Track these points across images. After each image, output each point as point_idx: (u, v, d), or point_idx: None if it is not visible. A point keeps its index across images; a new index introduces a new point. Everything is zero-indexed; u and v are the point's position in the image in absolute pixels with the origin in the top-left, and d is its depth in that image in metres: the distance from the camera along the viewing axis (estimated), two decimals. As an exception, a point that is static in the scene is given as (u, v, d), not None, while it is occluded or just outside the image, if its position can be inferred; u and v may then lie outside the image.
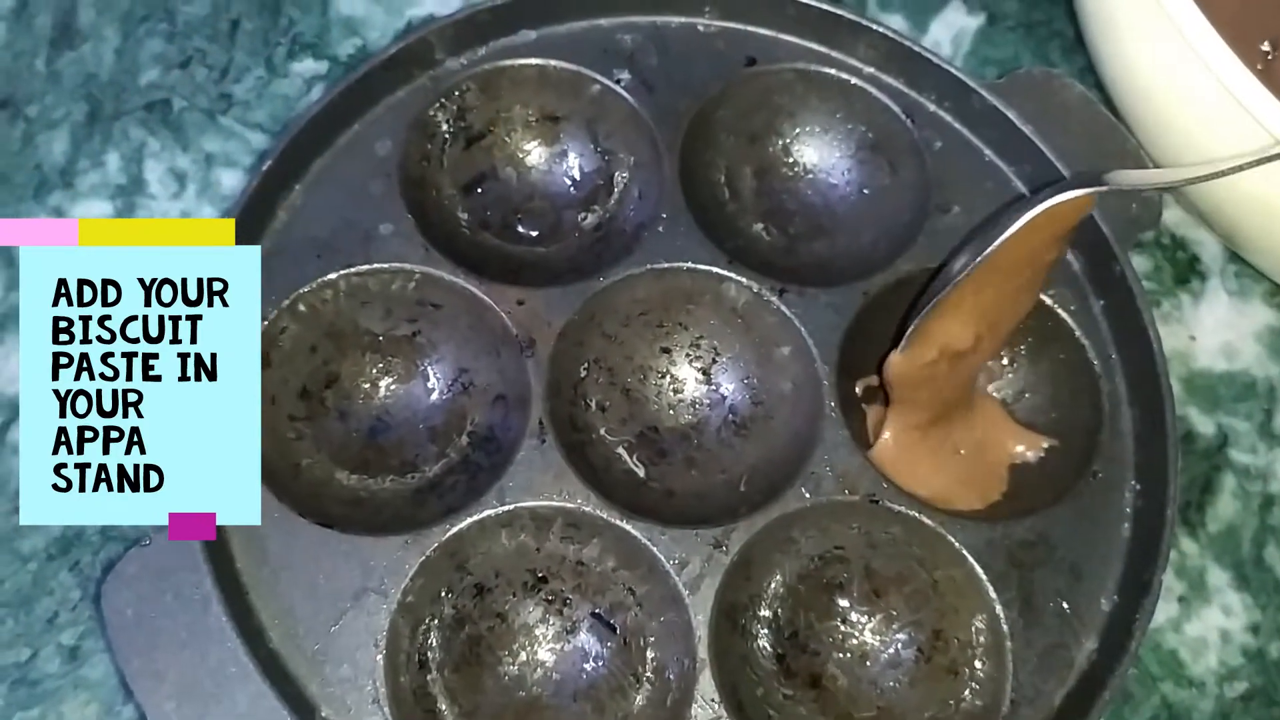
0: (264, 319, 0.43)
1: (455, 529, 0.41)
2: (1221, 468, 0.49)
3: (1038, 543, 0.43)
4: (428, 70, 0.48)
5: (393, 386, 0.46)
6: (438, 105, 0.47)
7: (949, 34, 0.55)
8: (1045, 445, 0.45)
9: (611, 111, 0.48)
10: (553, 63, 0.48)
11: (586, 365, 0.46)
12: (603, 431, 0.45)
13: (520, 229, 0.49)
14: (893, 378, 0.43)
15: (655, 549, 0.41)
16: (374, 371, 0.46)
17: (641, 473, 0.45)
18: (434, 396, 0.46)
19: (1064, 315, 0.46)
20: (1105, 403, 0.45)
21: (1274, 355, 0.50)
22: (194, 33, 0.52)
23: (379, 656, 0.40)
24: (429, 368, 0.46)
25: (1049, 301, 0.46)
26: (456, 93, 0.48)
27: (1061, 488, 0.44)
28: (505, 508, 0.42)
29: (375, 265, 0.45)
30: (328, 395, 0.45)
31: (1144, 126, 0.48)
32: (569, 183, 0.49)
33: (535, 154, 0.49)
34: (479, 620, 0.42)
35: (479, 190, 0.49)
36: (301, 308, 0.44)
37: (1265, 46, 0.48)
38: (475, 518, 0.41)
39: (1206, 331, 0.51)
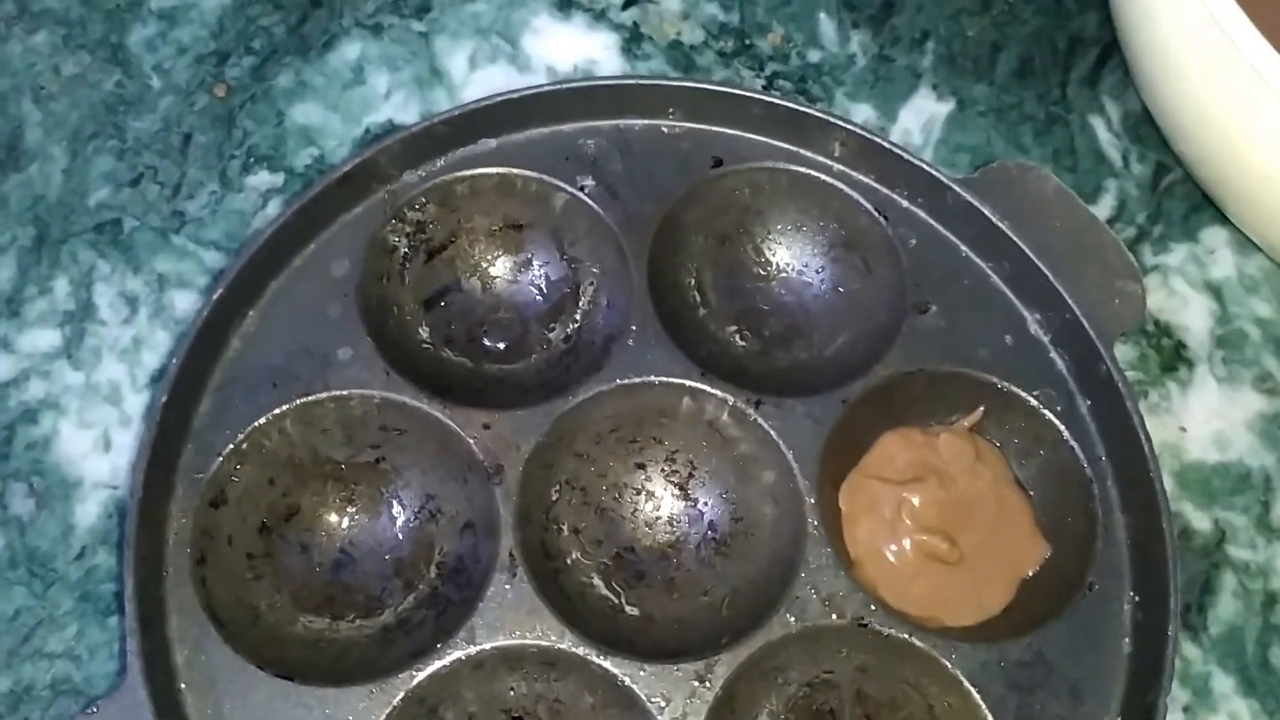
0: (217, 455, 0.41)
1: (423, 674, 0.39)
2: (1220, 565, 0.47)
3: (1035, 663, 0.41)
4: (385, 185, 0.46)
5: (356, 516, 0.44)
6: (395, 221, 0.46)
7: (919, 122, 0.54)
8: (1043, 556, 0.44)
9: (576, 218, 0.47)
10: (515, 171, 0.47)
11: (558, 487, 0.44)
12: (577, 555, 0.44)
13: (486, 342, 0.47)
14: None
15: (635, 687, 0.39)
16: (336, 500, 0.44)
17: (618, 599, 0.43)
18: (399, 525, 0.44)
19: (1050, 416, 0.44)
20: (1098, 509, 0.43)
21: (1267, 444, 0.49)
22: (144, 149, 0.51)
23: (345, 819, 0.38)
24: (394, 495, 0.44)
25: (1034, 403, 0.44)
26: (415, 206, 0.46)
27: (1057, 602, 0.42)
28: (476, 648, 0.40)
29: (334, 392, 0.43)
30: (288, 529, 0.43)
31: (1202, 160, 0.48)
32: (535, 292, 0.48)
33: (499, 264, 0.48)
34: (452, 767, 0.40)
35: (442, 304, 0.47)
36: (254, 443, 0.42)
37: None
38: (444, 661, 0.39)
39: (1197, 422, 0.49)
